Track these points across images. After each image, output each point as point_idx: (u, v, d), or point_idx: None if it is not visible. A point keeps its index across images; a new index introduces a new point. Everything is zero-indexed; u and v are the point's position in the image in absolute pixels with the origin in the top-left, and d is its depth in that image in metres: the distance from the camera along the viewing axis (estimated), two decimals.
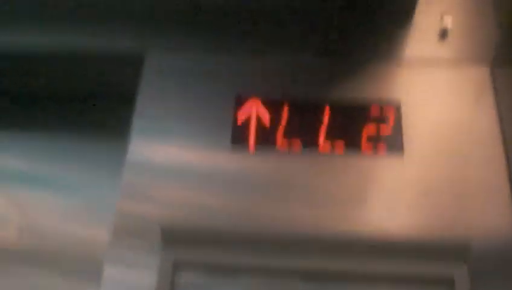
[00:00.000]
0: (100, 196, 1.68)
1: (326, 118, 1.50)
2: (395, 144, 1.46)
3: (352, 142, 1.47)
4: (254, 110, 1.51)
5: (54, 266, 1.63)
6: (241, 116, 1.51)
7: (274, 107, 1.52)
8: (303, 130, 1.49)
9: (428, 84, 1.55)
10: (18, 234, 1.70)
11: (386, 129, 1.48)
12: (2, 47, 1.68)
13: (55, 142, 1.83)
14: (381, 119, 1.49)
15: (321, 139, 1.47)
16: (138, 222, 1.39)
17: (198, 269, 1.33)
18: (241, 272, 1.32)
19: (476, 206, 1.37)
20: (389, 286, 1.29)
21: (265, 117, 1.51)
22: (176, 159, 1.48)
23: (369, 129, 1.48)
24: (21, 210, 1.73)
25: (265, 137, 1.49)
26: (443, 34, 1.61)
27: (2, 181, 1.79)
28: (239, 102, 1.53)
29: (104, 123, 1.81)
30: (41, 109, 1.89)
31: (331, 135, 1.48)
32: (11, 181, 1.79)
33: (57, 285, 1.59)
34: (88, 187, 1.74)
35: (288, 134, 1.49)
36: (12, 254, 1.67)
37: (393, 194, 1.39)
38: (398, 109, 1.50)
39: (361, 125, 1.49)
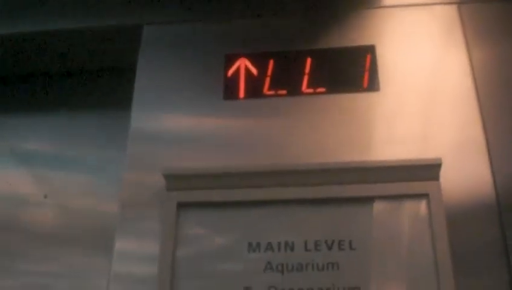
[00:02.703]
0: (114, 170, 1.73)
1: (308, 68, 1.63)
2: (372, 82, 1.58)
3: (333, 86, 1.60)
4: (243, 66, 1.66)
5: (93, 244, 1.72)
6: (231, 72, 1.65)
7: (260, 62, 1.66)
8: (288, 81, 1.63)
9: (400, 27, 1.67)
10: (54, 215, 1.79)
11: (363, 71, 1.60)
12: (8, 30, 1.83)
13: (64, 120, 1.94)
14: (358, 63, 1.62)
15: (304, 86, 1.61)
16: (145, 191, 1.50)
17: (200, 207, 1.45)
18: (241, 205, 1.45)
19: (446, 131, 1.50)
20: (377, 204, 1.41)
21: (253, 71, 1.65)
22: (175, 125, 1.61)
23: (347, 72, 1.60)
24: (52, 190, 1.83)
25: (254, 88, 1.63)
26: None
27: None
28: (228, 61, 1.68)
29: (108, 97, 1.93)
30: (43, 89, 2.02)
31: (313, 82, 1.62)
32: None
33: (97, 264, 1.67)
34: (105, 162, 1.84)
35: (274, 85, 1.62)
36: (53, 236, 1.76)
37: (371, 126, 1.52)
38: (373, 52, 1.63)
39: (341, 70, 1.62)
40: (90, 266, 1.69)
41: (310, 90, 1.60)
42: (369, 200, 1.41)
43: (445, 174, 1.41)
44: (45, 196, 1.82)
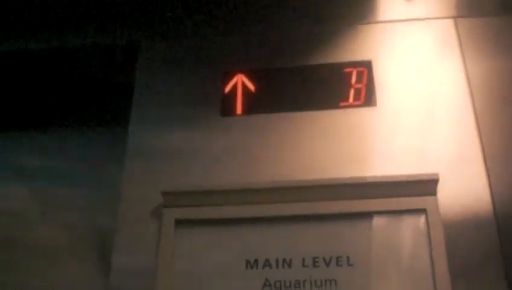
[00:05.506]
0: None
1: (304, 83, 1.64)
2: (368, 98, 1.59)
3: (331, 101, 1.60)
4: (240, 82, 1.66)
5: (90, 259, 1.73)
6: (228, 89, 1.66)
7: (258, 78, 1.66)
8: (285, 96, 1.63)
9: (397, 42, 1.68)
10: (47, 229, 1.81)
11: (360, 86, 1.60)
12: (8, 47, 1.85)
13: (64, 137, 1.96)
14: (355, 78, 1.62)
15: (301, 102, 1.61)
16: (142, 207, 1.50)
17: (197, 224, 1.45)
18: (238, 222, 1.45)
19: (443, 145, 1.50)
20: (375, 219, 1.41)
21: (251, 87, 1.65)
22: (173, 141, 1.61)
23: (345, 87, 1.61)
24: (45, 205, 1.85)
25: (251, 104, 1.63)
26: None
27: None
28: (226, 77, 1.68)
29: (106, 114, 1.94)
30: (42, 107, 2.03)
31: (310, 98, 1.62)
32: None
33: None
34: (102, 178, 1.85)
35: (271, 101, 1.63)
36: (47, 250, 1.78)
37: (368, 141, 1.52)
38: (369, 67, 1.63)
39: (338, 85, 1.62)
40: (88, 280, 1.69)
41: (307, 106, 1.59)
42: (366, 215, 1.41)
43: (442, 188, 1.41)
44: (42, 213, 1.80)
